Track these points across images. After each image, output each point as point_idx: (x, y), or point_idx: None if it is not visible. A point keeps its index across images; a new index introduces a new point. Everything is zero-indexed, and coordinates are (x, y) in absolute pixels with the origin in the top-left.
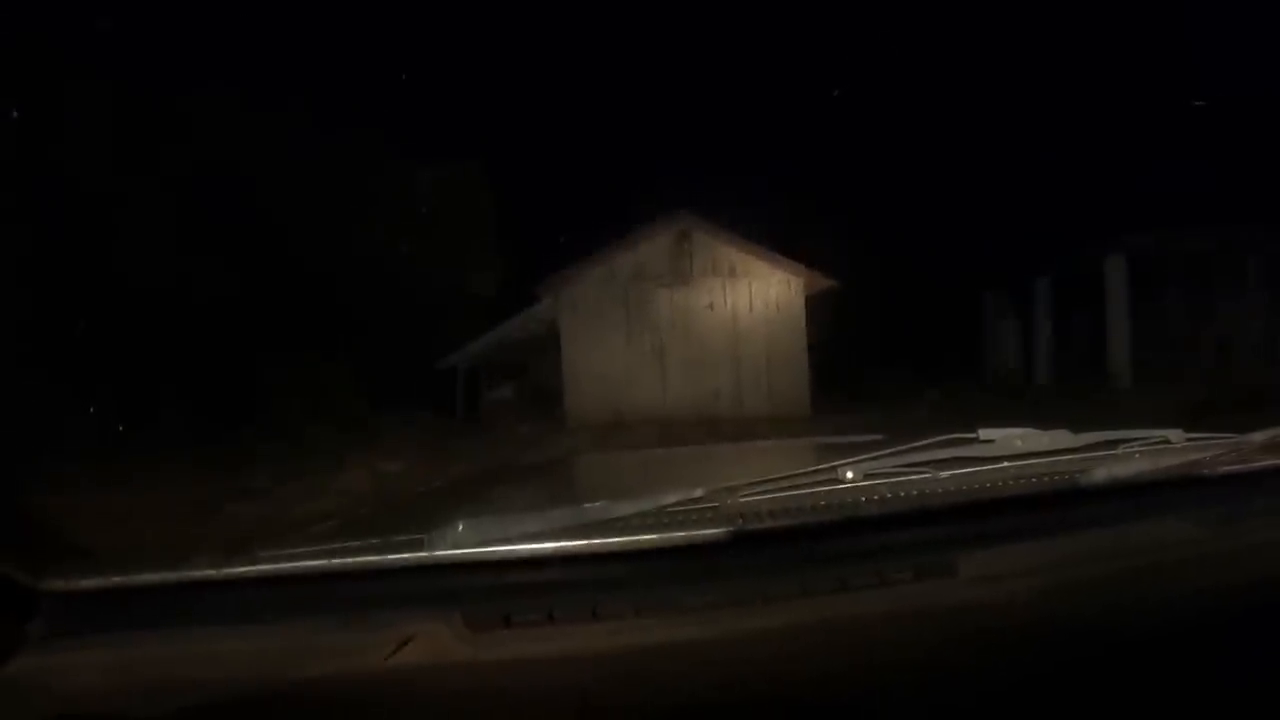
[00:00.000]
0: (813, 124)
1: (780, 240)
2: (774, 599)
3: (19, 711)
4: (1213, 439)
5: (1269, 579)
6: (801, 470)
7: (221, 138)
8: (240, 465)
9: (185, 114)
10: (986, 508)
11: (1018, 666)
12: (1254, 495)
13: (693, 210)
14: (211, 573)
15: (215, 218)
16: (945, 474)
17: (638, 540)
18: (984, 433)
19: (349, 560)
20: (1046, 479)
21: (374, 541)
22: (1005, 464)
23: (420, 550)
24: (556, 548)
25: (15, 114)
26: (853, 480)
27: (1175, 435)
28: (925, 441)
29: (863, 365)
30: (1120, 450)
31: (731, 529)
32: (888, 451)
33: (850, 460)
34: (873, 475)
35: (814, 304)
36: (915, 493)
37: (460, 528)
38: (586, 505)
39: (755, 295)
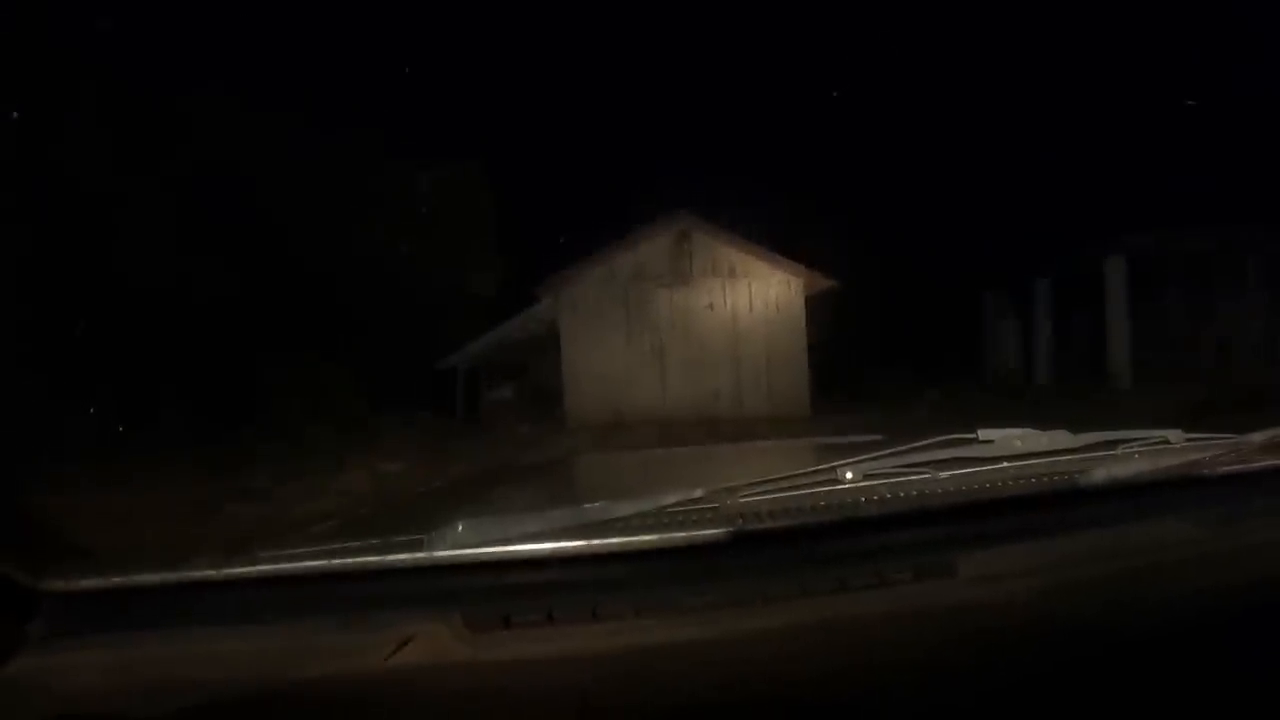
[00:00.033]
0: (813, 124)
1: (780, 240)
2: (774, 599)
3: (19, 711)
4: (1212, 439)
5: (1269, 579)
6: (801, 470)
7: (222, 138)
8: (240, 465)
9: (185, 114)
10: (986, 508)
11: (1017, 666)
12: (1254, 495)
13: (693, 210)
14: (211, 573)
15: (215, 218)
16: (945, 474)
17: (637, 541)
18: (983, 433)
19: (349, 561)
20: (1046, 479)
21: (374, 542)
22: (1005, 464)
23: (420, 551)
24: (556, 548)
25: (15, 114)
26: (852, 480)
27: (1175, 435)
28: (925, 442)
29: (862, 365)
30: (1120, 451)
31: (731, 529)
32: (887, 452)
33: (850, 460)
34: (872, 475)
35: (814, 304)
36: (915, 493)
37: (460, 528)
38: (586, 506)
39: (755, 295)
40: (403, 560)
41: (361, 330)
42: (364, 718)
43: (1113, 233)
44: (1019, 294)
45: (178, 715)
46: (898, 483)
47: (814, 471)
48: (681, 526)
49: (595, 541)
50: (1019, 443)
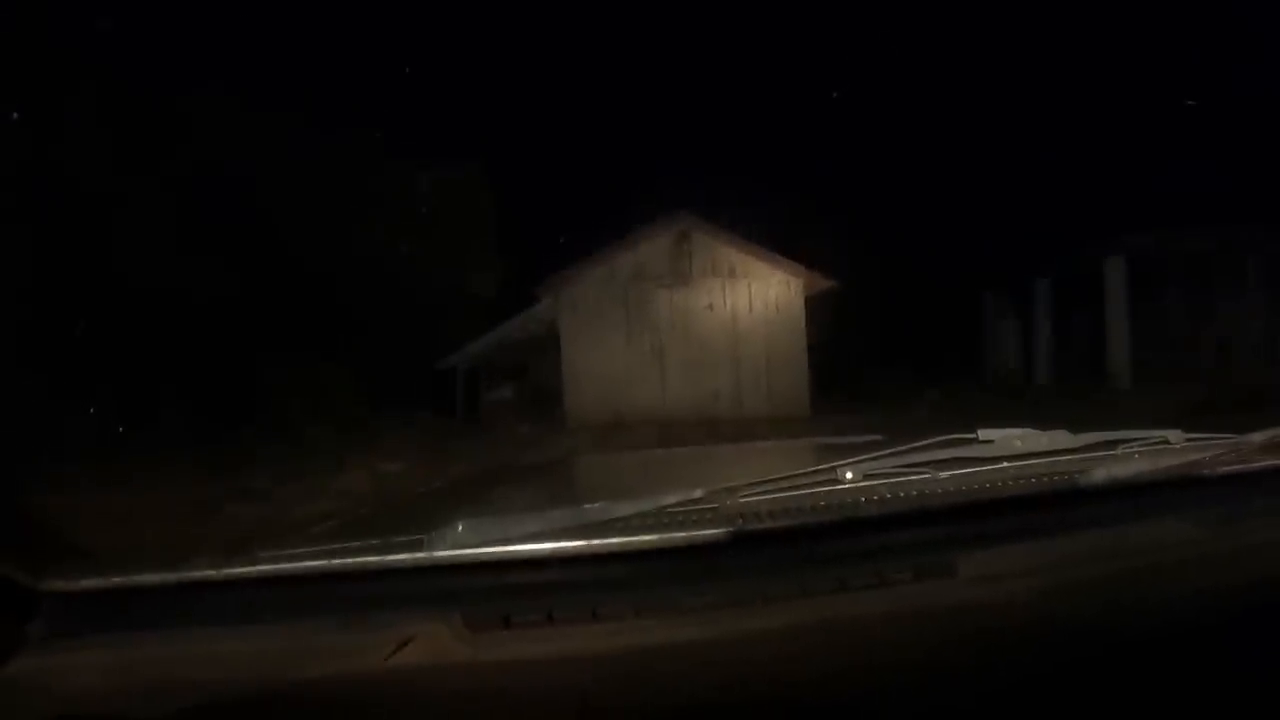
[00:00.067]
0: (813, 125)
1: (780, 241)
2: (774, 599)
3: (19, 712)
4: (1212, 439)
5: (1269, 579)
6: (801, 471)
7: (222, 138)
8: (240, 466)
9: (185, 114)
10: (986, 508)
11: (1017, 666)
12: (1254, 495)
13: (693, 211)
14: (211, 573)
15: (215, 218)
16: (945, 474)
17: (637, 541)
18: (983, 433)
19: (349, 561)
20: (1046, 479)
21: (374, 542)
22: (1004, 464)
23: (420, 551)
24: (556, 548)
25: (15, 114)
26: (852, 481)
27: (1175, 435)
28: (925, 442)
29: (862, 365)
30: (1119, 451)
31: (731, 529)
32: (887, 452)
33: (850, 461)
34: (872, 476)
35: (814, 304)
36: (915, 493)
37: (460, 528)
38: (586, 506)
39: (755, 296)
40: (403, 560)
41: (361, 330)
42: (364, 718)
43: (1113, 233)
44: (1019, 294)
45: (178, 716)
46: (898, 483)
47: (814, 471)
48: (681, 527)
49: (595, 541)
50: (1019, 443)
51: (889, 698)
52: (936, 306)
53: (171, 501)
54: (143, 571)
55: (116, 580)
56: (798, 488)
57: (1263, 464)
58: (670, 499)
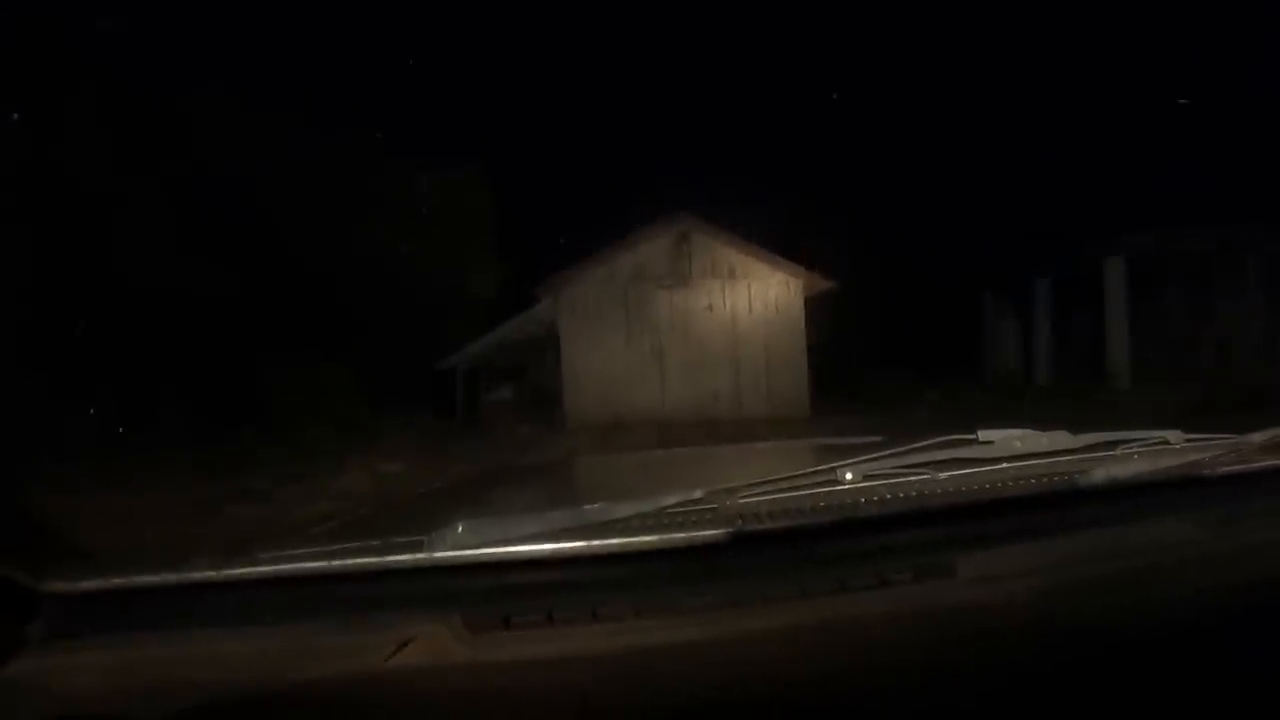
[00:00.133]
0: (813, 126)
1: (780, 241)
2: (773, 600)
3: (19, 712)
4: (1212, 439)
5: (1269, 579)
6: (801, 471)
7: (222, 138)
8: (240, 466)
9: (186, 115)
10: (985, 509)
11: (1017, 667)
12: (1254, 495)
13: (693, 211)
14: (211, 574)
15: (216, 218)
16: (944, 475)
17: (637, 541)
18: (983, 434)
19: (349, 562)
20: (1045, 480)
21: (374, 543)
22: (1004, 465)
23: (420, 552)
24: (556, 549)
25: (16, 115)
26: (852, 481)
27: (1175, 436)
28: (924, 443)
29: (862, 366)
30: (1119, 451)
31: (731, 530)
32: (887, 453)
33: (849, 461)
34: (872, 476)
35: (813, 305)
36: (914, 494)
37: (460, 529)
38: (586, 507)
39: (755, 296)
40: (403, 561)
41: (361, 331)
42: (364, 719)
43: (1113, 233)
44: (1019, 294)
45: (178, 716)
46: (897, 483)
47: (814, 472)
48: (681, 527)
49: (595, 542)
50: (1019, 443)
51: (889, 698)
52: (936, 307)
53: (171, 502)
54: (143, 572)
55: (117, 581)
56: (797, 488)
57: (1263, 464)
58: (670, 500)
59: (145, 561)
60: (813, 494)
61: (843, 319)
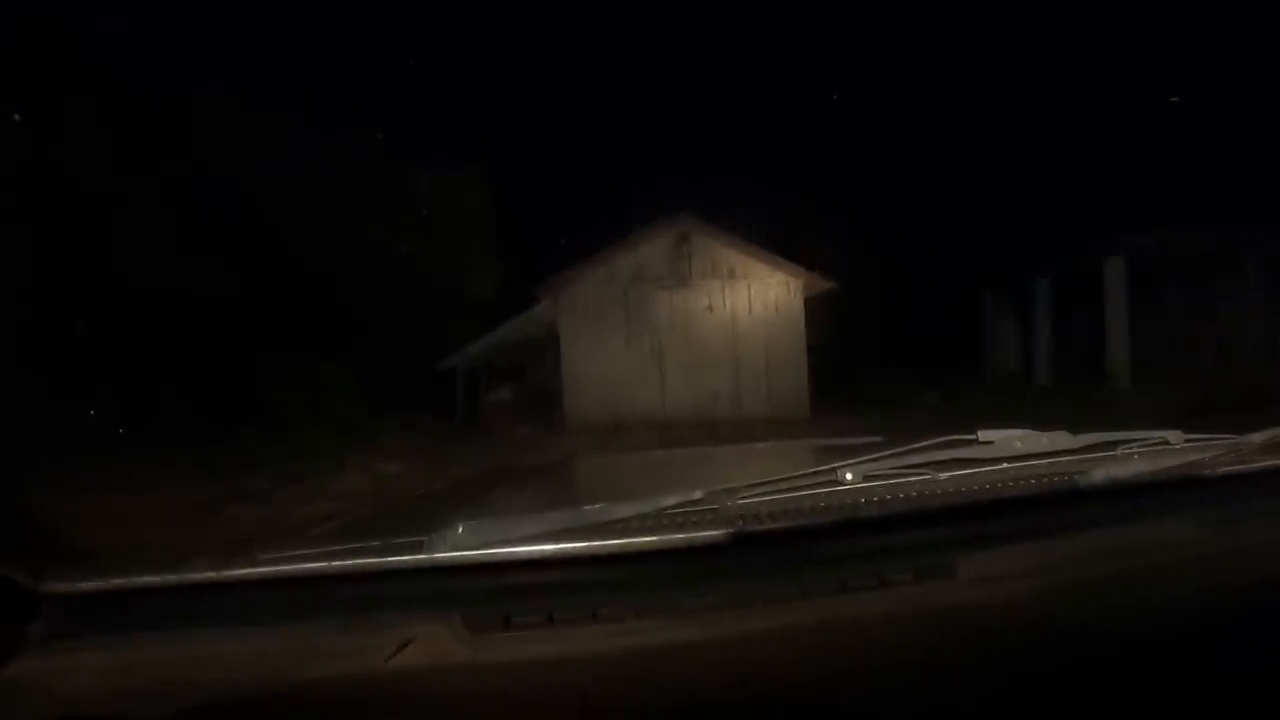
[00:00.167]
0: (813, 126)
1: (780, 242)
2: (773, 601)
3: (19, 713)
4: (1212, 440)
5: (1269, 579)
6: (801, 472)
7: (222, 139)
8: (240, 467)
9: (186, 115)
10: (986, 509)
11: (1017, 667)
12: (1254, 496)
13: (693, 212)
14: (211, 575)
15: (216, 219)
16: (944, 475)
17: (637, 542)
18: (983, 434)
19: (349, 562)
20: (1046, 480)
21: (374, 544)
22: (1004, 465)
23: (420, 552)
24: (556, 550)
25: (16, 115)
26: (852, 482)
27: (1174, 436)
28: (924, 443)
29: (862, 367)
30: (1119, 451)
31: (731, 531)
32: (887, 453)
33: (849, 462)
34: (872, 477)
35: (813, 305)
36: (914, 494)
37: (460, 530)
38: (586, 507)
39: (755, 297)
40: (403, 562)
41: (361, 331)
42: (364, 719)
43: (1113, 233)
44: (1019, 294)
45: (178, 717)
46: (897, 484)
47: (814, 473)
48: (681, 528)
49: (595, 543)
50: (1019, 444)
51: (889, 698)
52: (936, 307)
53: (171, 502)
54: (143, 573)
55: (116, 582)
56: (797, 489)
57: (1263, 464)
58: (670, 500)
59: (145, 562)
60: (813, 494)
61: (843, 319)
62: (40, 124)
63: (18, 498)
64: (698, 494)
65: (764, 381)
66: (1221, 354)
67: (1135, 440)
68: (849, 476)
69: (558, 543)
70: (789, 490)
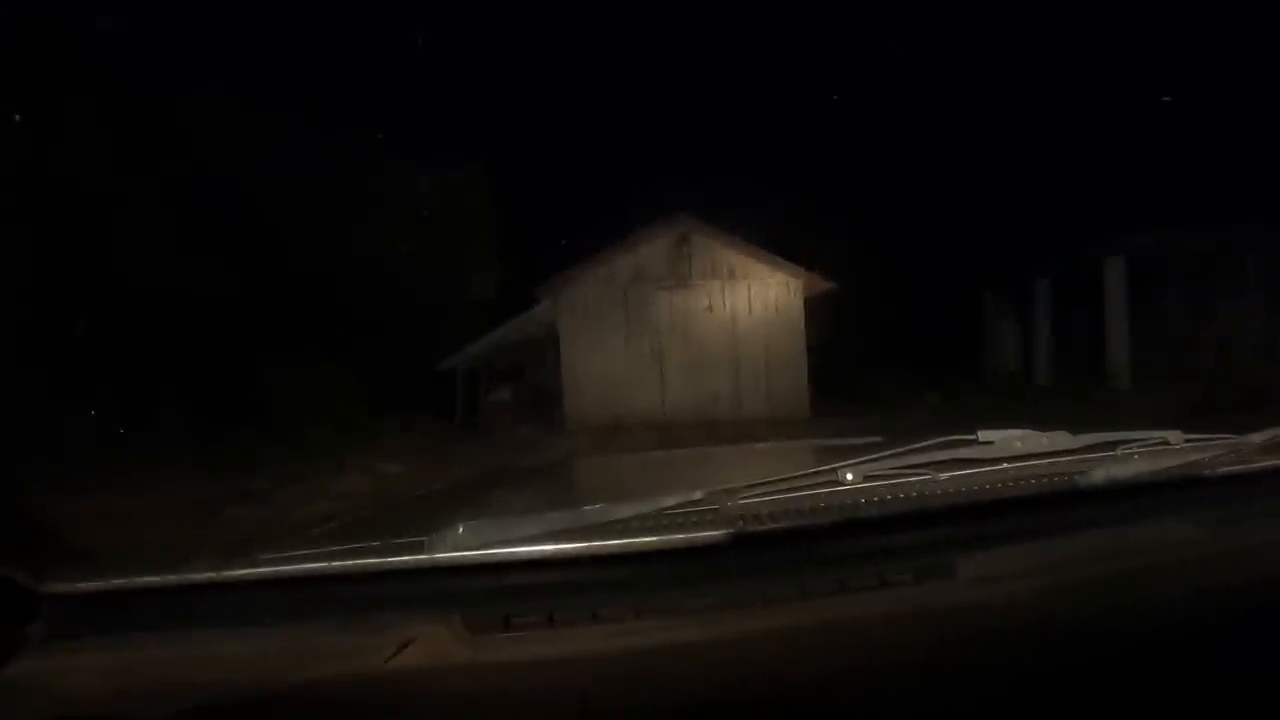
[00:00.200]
0: (813, 127)
1: (780, 242)
2: (774, 601)
3: (19, 713)
4: (1212, 440)
5: (1269, 579)
6: (801, 472)
7: (222, 139)
8: (240, 467)
9: (186, 115)
10: (986, 509)
11: (1017, 667)
12: (1254, 496)
13: (693, 212)
14: (211, 575)
15: (216, 219)
16: (944, 476)
17: (637, 543)
18: (983, 434)
19: (349, 563)
20: (1046, 480)
21: (374, 544)
22: (1004, 465)
23: (420, 553)
24: (556, 550)
25: (16, 115)
26: (852, 482)
27: (1174, 436)
28: (924, 443)
29: (862, 367)
30: (1119, 451)
31: (731, 531)
32: (887, 453)
33: (850, 462)
34: (872, 477)
35: (813, 306)
36: (915, 494)
37: (460, 530)
38: (586, 508)
39: (755, 297)
40: (403, 562)
41: (361, 331)
42: (364, 719)
43: (1113, 233)
44: (1019, 294)
45: (178, 717)
46: (898, 484)
47: (814, 473)
48: (681, 528)
49: (595, 543)
50: (1019, 444)
51: (889, 699)
52: (936, 307)
53: (171, 502)
54: (143, 573)
55: (117, 582)
56: (797, 489)
57: (1263, 464)
58: (670, 501)
59: (145, 562)
60: (813, 495)
61: (843, 319)
62: (40, 124)
63: (18, 498)
64: (698, 494)
65: (764, 382)
66: (1221, 354)
67: (1135, 440)
68: (849, 477)
69: (558, 543)
70: (789, 490)
